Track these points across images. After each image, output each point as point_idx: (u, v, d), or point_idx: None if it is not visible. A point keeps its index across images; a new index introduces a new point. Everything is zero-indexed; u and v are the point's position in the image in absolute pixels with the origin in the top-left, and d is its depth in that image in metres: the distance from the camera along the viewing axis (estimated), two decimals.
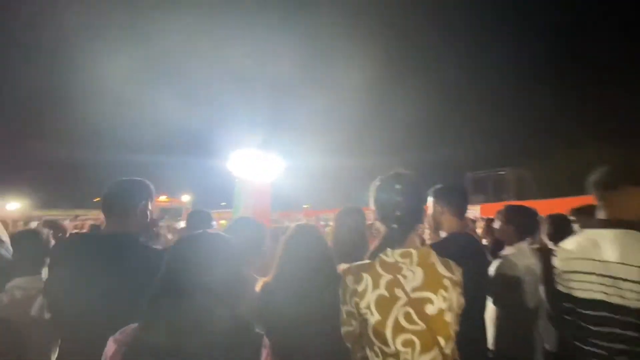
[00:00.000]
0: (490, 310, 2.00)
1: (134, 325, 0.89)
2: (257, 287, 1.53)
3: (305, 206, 38.16)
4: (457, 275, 1.12)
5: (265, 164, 9.41)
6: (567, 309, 1.41)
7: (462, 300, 1.11)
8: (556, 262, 1.51)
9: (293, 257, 1.52)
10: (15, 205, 27.37)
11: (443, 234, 1.77)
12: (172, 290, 0.88)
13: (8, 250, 1.68)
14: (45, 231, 1.75)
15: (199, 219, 2.64)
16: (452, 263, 1.14)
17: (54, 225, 3.62)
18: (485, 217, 6.15)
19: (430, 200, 1.76)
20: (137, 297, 0.90)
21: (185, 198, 32.40)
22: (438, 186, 1.80)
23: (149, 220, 1.40)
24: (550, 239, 2.49)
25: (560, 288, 1.47)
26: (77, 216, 13.57)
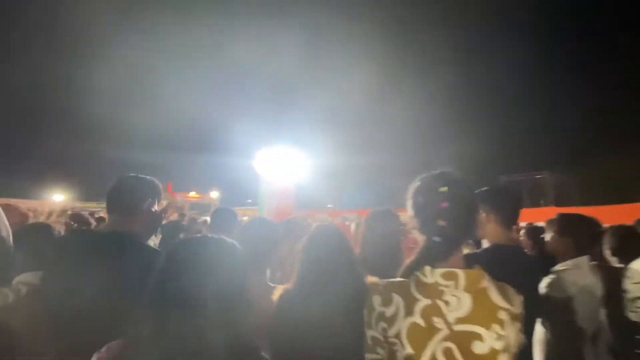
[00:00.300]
0: (539, 332, 1.73)
1: (119, 341, 0.77)
2: (275, 296, 1.37)
3: (330, 206, 38.15)
4: (517, 306, 0.88)
5: (289, 164, 9.38)
6: (638, 341, 1.18)
7: (522, 338, 0.88)
8: (627, 284, 1.27)
9: (314, 263, 1.33)
10: (59, 197, 29.66)
11: (485, 244, 1.51)
12: (159, 307, 0.74)
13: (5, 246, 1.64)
14: (57, 227, 1.70)
15: (222, 217, 2.55)
16: (510, 290, 0.90)
17: (80, 219, 3.71)
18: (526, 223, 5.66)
19: None
20: (132, 298, 0.85)
21: (214, 194, 33.51)
22: (484, 188, 1.53)
23: (154, 219, 1.30)
24: (614, 255, 2.14)
25: (631, 316, 1.24)
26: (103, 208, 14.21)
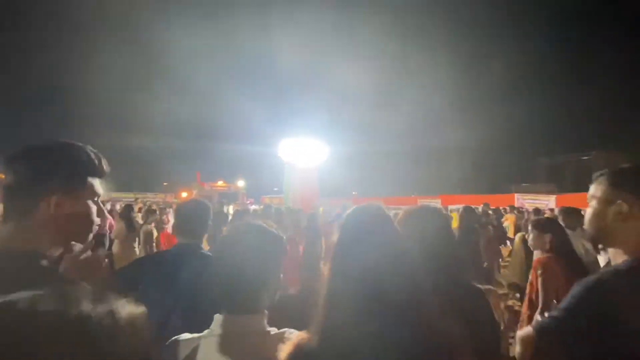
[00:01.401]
0: None
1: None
2: (283, 354, 0.69)
3: (354, 193, 37.85)
4: None
5: (312, 150, 9.24)
6: None
7: None
8: None
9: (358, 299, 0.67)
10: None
11: (620, 256, 0.90)
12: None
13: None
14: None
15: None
16: None
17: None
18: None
19: (601, 190, 0.96)
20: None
21: (241, 183, 34.34)
22: (622, 167, 0.96)
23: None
24: None
25: None
26: (136, 199, 14.92)
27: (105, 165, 0.77)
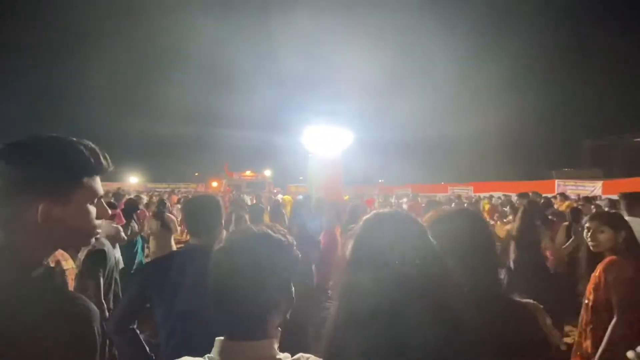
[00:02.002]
0: None
1: None
2: None
3: (381, 181, 37.26)
4: None
5: (335, 137, 9.09)
6: None
7: None
8: None
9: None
10: (135, 180, 33.66)
11: None
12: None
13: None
14: None
15: None
16: None
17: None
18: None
19: None
20: None
21: (268, 173, 34.99)
22: None
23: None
24: None
25: None
26: (173, 190, 15.67)
27: (105, 161, 0.66)
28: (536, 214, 3.47)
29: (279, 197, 15.99)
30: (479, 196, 16.71)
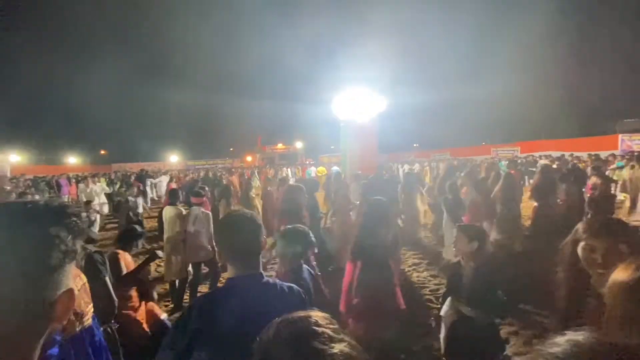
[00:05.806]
0: None
1: None
2: None
3: (416, 145, 35.72)
4: None
5: (368, 102, 8.58)
6: None
7: None
8: None
9: None
10: (175, 158, 35.37)
11: None
12: None
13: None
14: None
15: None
16: None
17: None
18: None
19: None
20: None
21: (299, 144, 35.01)
22: None
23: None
24: None
25: None
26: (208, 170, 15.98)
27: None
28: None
29: (312, 169, 15.96)
30: (526, 157, 15.34)
